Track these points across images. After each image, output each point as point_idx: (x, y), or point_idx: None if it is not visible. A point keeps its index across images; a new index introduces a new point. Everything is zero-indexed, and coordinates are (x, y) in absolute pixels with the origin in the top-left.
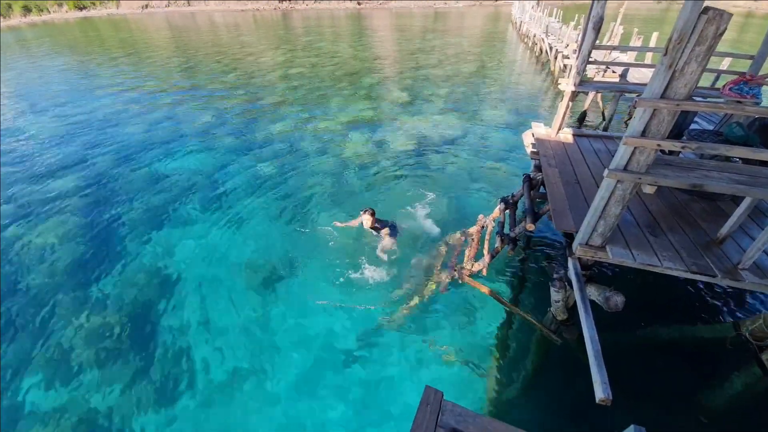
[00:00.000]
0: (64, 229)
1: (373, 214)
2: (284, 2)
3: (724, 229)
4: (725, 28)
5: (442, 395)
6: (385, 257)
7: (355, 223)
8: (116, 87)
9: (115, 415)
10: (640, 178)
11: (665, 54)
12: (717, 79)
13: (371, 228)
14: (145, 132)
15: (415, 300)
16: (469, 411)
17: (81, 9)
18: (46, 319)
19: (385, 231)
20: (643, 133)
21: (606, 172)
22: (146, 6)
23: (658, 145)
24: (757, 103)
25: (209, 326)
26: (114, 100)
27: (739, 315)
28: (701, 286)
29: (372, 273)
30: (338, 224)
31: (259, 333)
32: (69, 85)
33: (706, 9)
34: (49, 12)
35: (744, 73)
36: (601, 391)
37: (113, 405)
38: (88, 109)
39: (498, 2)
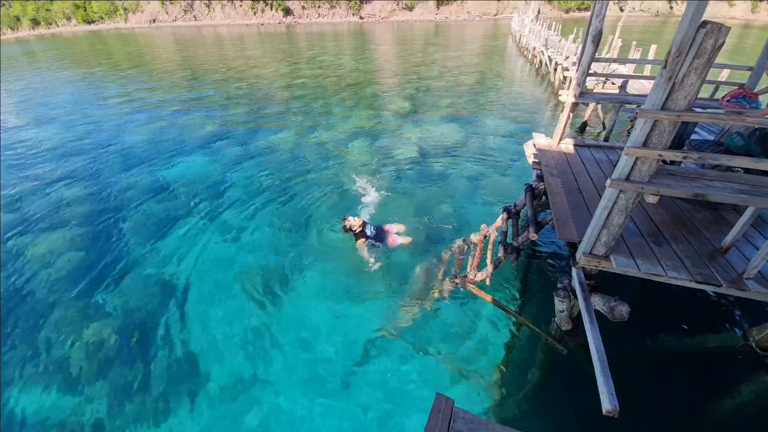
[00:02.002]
0: (67, 237)
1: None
2: (288, 17)
3: (728, 239)
4: (723, 42)
5: (453, 402)
6: (403, 241)
7: (362, 244)
8: (122, 98)
9: (116, 425)
10: (642, 188)
11: (664, 67)
12: (716, 90)
13: (361, 228)
14: (149, 141)
15: (418, 308)
16: (480, 418)
17: (89, 23)
18: (47, 328)
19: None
20: (645, 144)
21: (608, 181)
22: (154, 20)
23: (660, 155)
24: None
25: (211, 335)
26: (120, 110)
27: (746, 324)
28: (706, 295)
29: (374, 281)
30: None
31: (260, 341)
32: (75, 95)
33: (705, 23)
34: (58, 25)
35: (743, 85)
36: (608, 403)
37: (114, 415)
38: (94, 119)
39: (497, 16)
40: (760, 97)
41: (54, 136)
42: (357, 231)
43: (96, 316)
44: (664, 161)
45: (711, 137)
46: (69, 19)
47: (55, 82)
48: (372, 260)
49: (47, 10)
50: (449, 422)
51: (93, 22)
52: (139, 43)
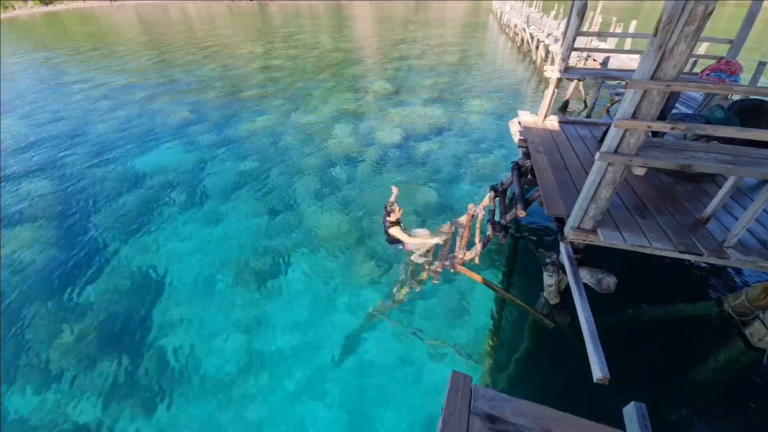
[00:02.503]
0: (38, 234)
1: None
2: None
3: (708, 209)
4: (714, 8)
5: (471, 380)
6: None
7: (398, 231)
8: (86, 83)
9: (101, 423)
10: (630, 161)
11: (655, 35)
12: (695, 64)
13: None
14: (118, 129)
15: (408, 290)
16: (502, 395)
17: (47, 4)
18: (25, 329)
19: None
20: (634, 115)
21: (597, 155)
22: None
23: (649, 126)
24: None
25: (196, 328)
26: (84, 96)
27: (721, 292)
28: (684, 266)
29: (362, 265)
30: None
31: (247, 331)
32: (36, 82)
33: None
34: (14, 9)
35: (721, 59)
36: (598, 371)
37: (99, 413)
38: (56, 107)
39: None
40: (740, 74)
41: (14, 127)
42: (394, 220)
43: (73, 313)
44: (649, 134)
45: (690, 112)
46: (26, 1)
47: (14, 69)
48: (416, 241)
49: None
50: (469, 402)
51: (51, 2)
52: (100, 24)
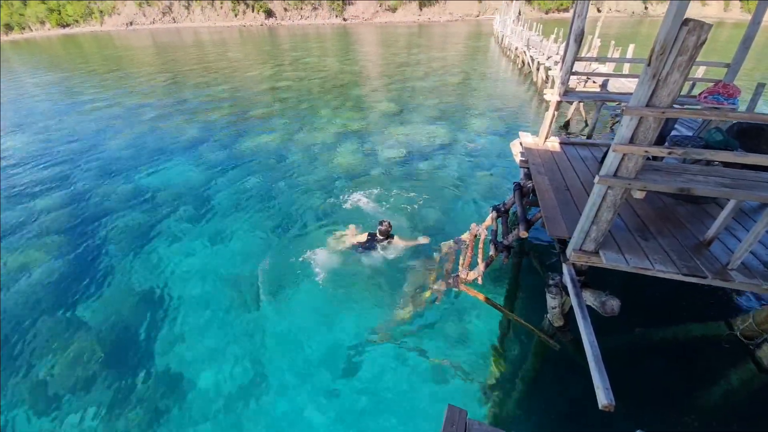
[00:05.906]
0: (47, 249)
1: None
2: (270, 19)
3: (711, 231)
4: (706, 39)
5: (467, 414)
6: (392, 256)
7: (362, 237)
8: (100, 102)
9: None
10: (630, 184)
11: (649, 64)
12: (693, 87)
13: (381, 235)
14: (129, 148)
15: (411, 310)
16: (497, 429)
17: (64, 26)
18: (28, 344)
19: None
20: (631, 140)
21: (597, 178)
22: (131, 23)
23: (646, 151)
24: (734, 110)
25: (199, 345)
26: (98, 116)
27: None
28: (691, 287)
29: (365, 284)
30: (351, 238)
31: (250, 350)
32: (51, 102)
33: (687, 20)
34: (32, 30)
35: (719, 81)
36: (603, 397)
37: (103, 429)
38: (70, 125)
39: (479, 17)
40: (738, 97)
41: (29, 144)
42: (386, 235)
43: (79, 329)
44: (648, 157)
45: (690, 133)
46: (43, 23)
47: (30, 88)
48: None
49: (21, 14)
50: None
51: (68, 25)
52: (116, 47)
